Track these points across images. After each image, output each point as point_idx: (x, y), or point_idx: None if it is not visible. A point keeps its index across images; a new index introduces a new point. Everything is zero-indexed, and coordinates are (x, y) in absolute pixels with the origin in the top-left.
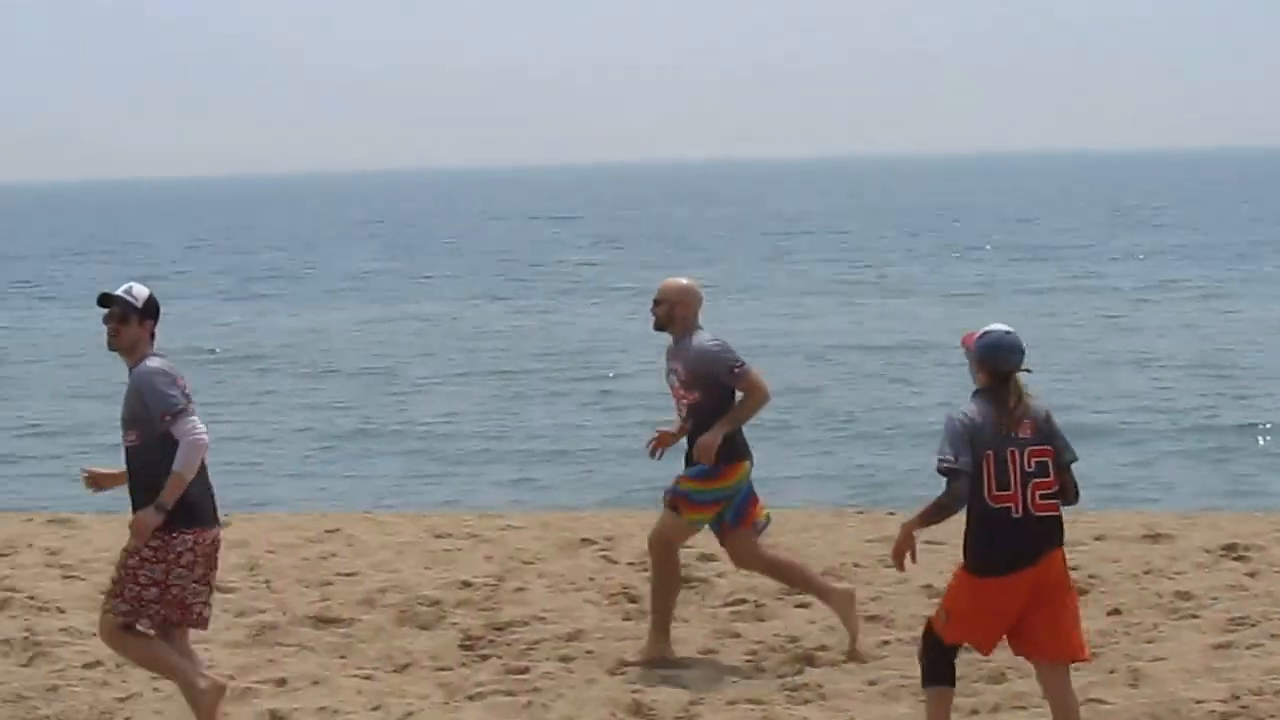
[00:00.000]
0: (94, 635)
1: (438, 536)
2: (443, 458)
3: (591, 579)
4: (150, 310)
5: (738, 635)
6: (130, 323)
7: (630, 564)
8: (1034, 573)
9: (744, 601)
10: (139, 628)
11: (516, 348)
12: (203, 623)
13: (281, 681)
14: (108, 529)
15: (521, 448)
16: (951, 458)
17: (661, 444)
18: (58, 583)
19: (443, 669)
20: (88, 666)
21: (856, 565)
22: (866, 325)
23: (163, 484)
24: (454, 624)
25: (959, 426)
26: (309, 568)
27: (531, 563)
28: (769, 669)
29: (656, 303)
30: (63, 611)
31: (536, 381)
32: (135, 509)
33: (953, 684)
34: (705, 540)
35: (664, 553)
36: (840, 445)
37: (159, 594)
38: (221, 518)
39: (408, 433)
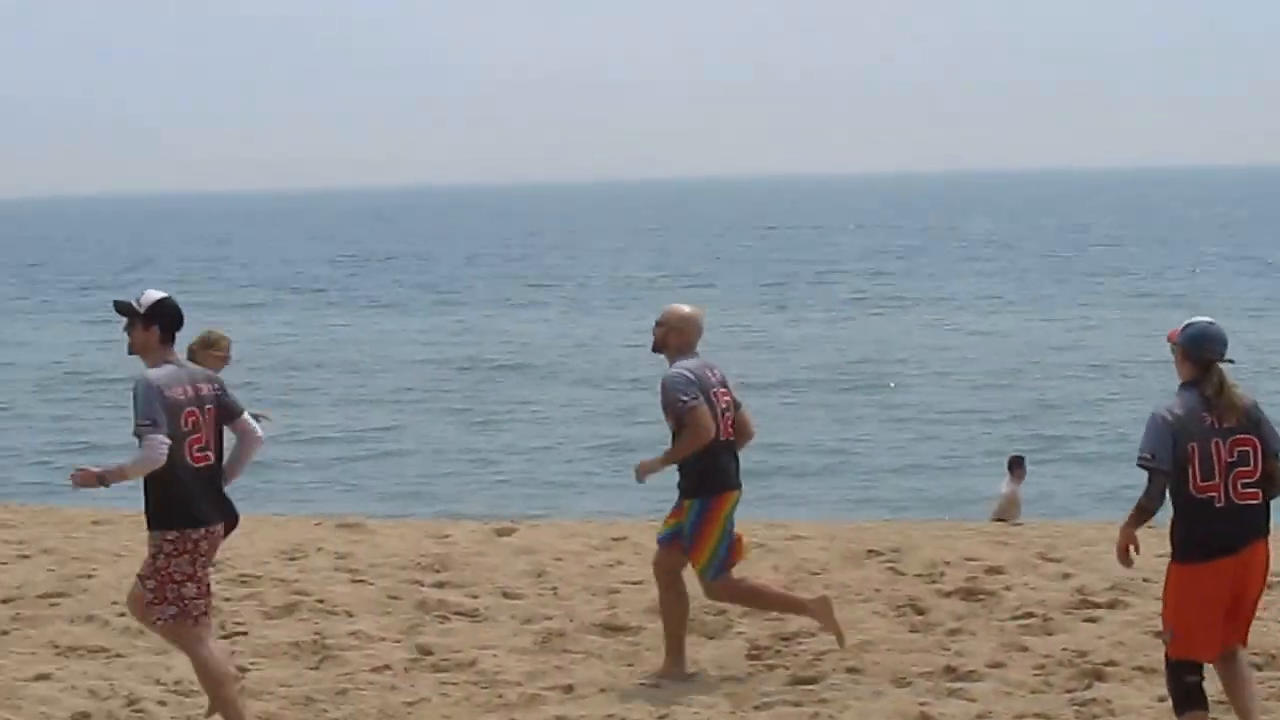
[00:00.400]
0: (383, 639)
1: None
2: None
3: (878, 590)
4: (154, 315)
5: (1025, 649)
6: (135, 328)
7: (918, 575)
8: (1235, 562)
9: (1032, 615)
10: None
11: (795, 358)
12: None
13: (569, 688)
14: (396, 534)
15: (798, 460)
16: (1149, 455)
17: (646, 470)
18: (346, 586)
19: (730, 678)
20: (376, 670)
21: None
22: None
23: (152, 481)
24: (740, 633)
25: (1161, 423)
26: (595, 575)
27: (818, 573)
28: (1057, 684)
29: (657, 324)
30: (351, 615)
31: (818, 393)
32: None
33: (1205, 707)
34: (992, 552)
35: (668, 580)
36: None
37: (197, 590)
38: (512, 522)
39: None
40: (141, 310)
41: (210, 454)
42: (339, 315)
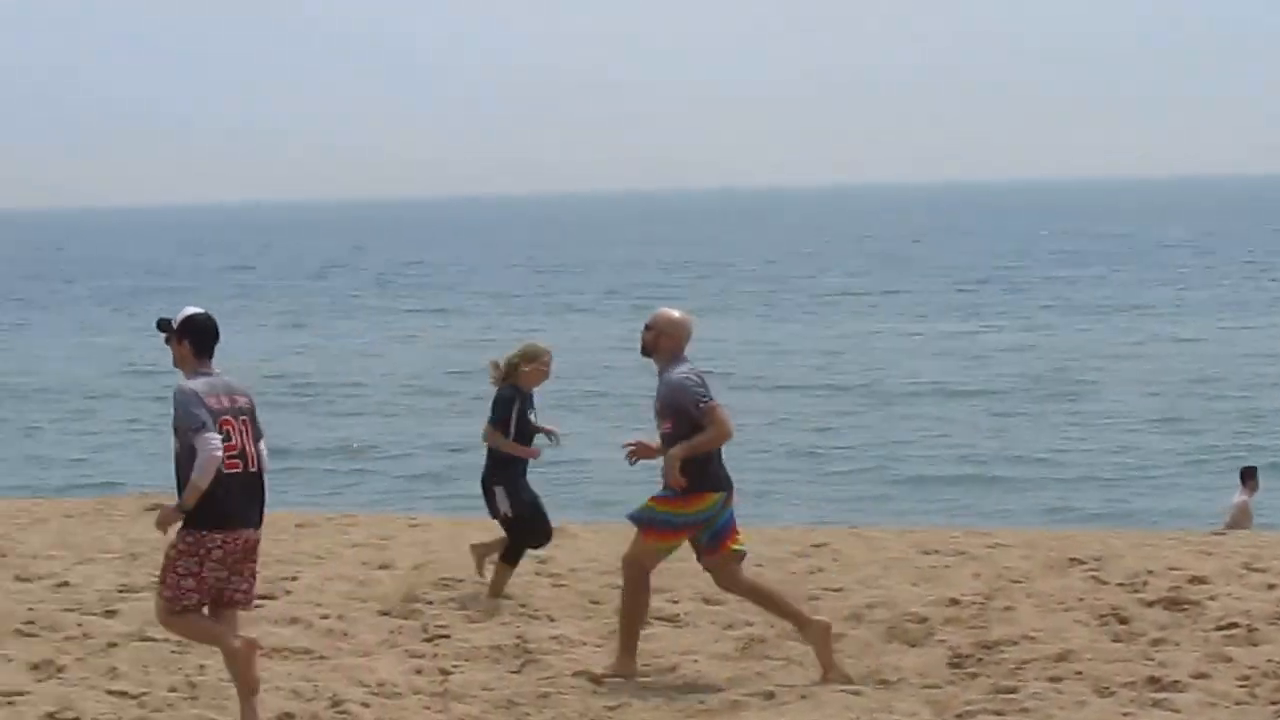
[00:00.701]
0: (584, 643)
1: (924, 553)
2: (927, 477)
3: (1081, 599)
4: (186, 330)
5: (1230, 660)
6: (172, 343)
7: (1120, 585)
8: None
9: (1236, 626)
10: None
11: (992, 366)
12: (245, 602)
13: (769, 695)
14: (597, 539)
15: (998, 468)
16: None
17: (639, 454)
18: (548, 590)
19: (931, 686)
20: (578, 675)
21: None
22: None
23: (178, 480)
24: (942, 641)
25: None
26: (796, 581)
27: (1020, 581)
28: (1262, 696)
29: (646, 328)
30: (553, 619)
31: (1018, 401)
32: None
33: None
34: (1196, 562)
35: (634, 574)
36: None
37: (195, 584)
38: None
39: (889, 451)
40: (175, 326)
41: (240, 462)
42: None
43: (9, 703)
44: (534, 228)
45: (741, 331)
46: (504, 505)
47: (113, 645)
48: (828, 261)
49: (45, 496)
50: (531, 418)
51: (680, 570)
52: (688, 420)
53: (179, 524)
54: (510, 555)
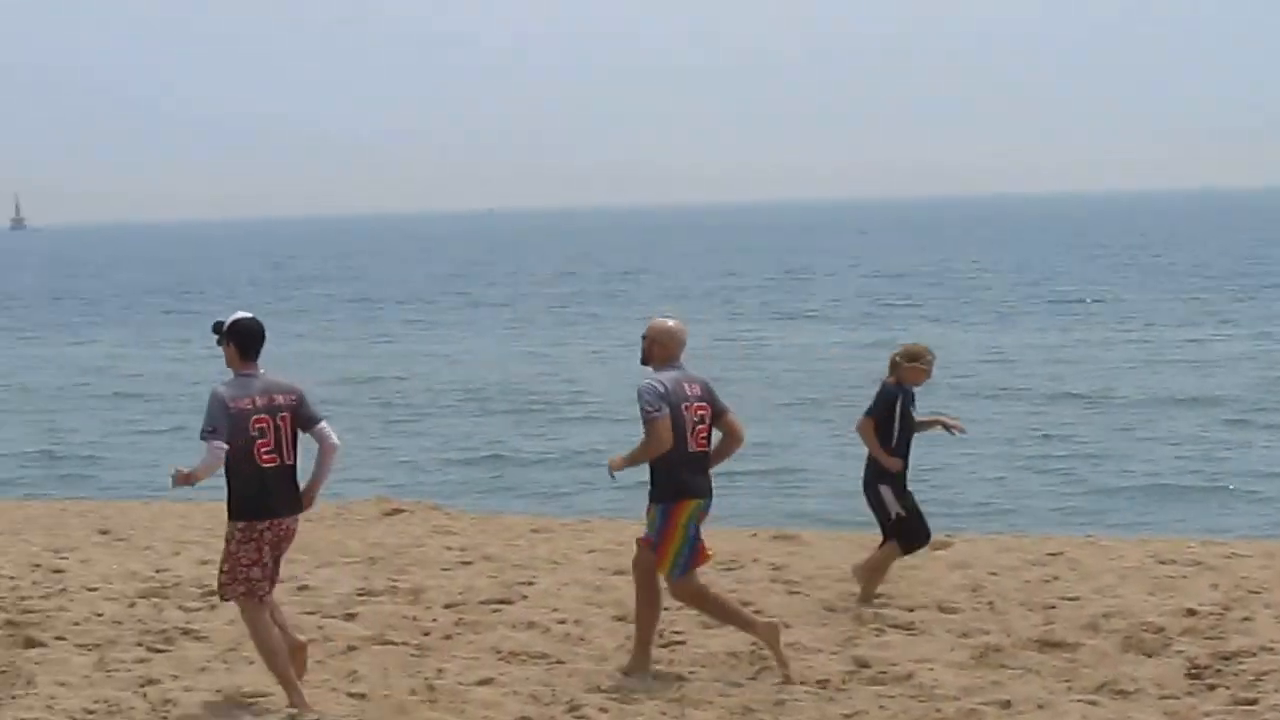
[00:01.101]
0: (820, 650)
1: (1161, 563)
2: (1160, 487)
3: None
4: (231, 333)
5: None
6: (222, 345)
7: None
8: None
9: None
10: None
11: (1221, 376)
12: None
13: (1006, 704)
14: (831, 546)
15: (1234, 479)
16: None
17: (612, 465)
18: (783, 597)
19: (1168, 697)
20: (817, 684)
21: None
22: None
23: (228, 478)
24: (1179, 652)
25: None
26: (1032, 590)
27: (1258, 592)
28: None
29: (643, 336)
30: (788, 626)
31: (1251, 410)
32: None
33: None
34: None
35: (645, 580)
36: None
37: (261, 572)
38: (947, 536)
39: (1120, 460)
40: (221, 330)
41: (278, 456)
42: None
43: (252, 704)
44: (781, 234)
45: (976, 339)
46: (894, 506)
47: (352, 648)
48: (1061, 268)
49: None
50: (914, 414)
51: (915, 578)
52: (644, 425)
53: (227, 526)
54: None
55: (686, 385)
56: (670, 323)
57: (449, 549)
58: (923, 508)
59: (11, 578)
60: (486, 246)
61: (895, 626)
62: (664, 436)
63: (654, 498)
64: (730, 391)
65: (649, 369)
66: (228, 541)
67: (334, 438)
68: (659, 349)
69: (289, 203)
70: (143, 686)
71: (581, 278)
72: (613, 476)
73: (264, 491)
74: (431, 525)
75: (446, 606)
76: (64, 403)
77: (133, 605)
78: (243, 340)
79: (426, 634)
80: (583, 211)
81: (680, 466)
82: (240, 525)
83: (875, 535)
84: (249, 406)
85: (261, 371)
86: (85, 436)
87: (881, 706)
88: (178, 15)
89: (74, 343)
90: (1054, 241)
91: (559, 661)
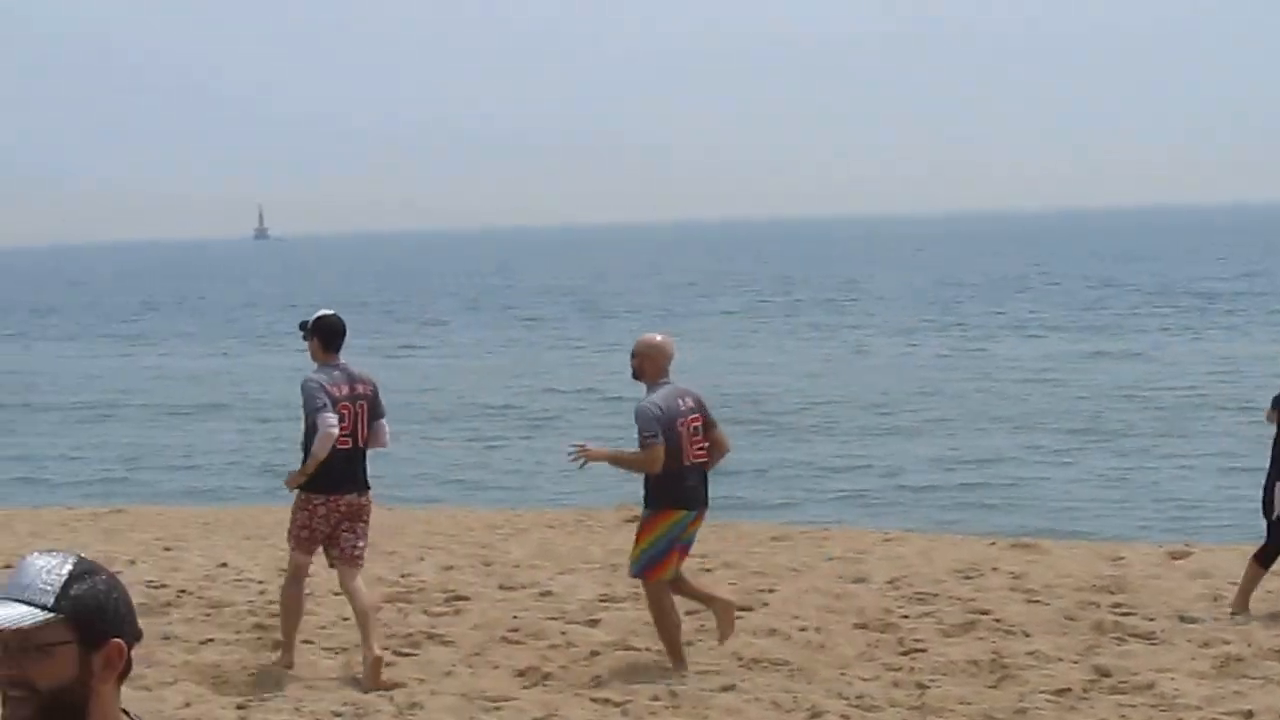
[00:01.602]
0: (1060, 659)
1: None
2: None
3: None
4: (316, 329)
5: None
6: (307, 340)
7: None
8: None
9: None
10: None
11: None
12: (360, 558)
13: (1249, 714)
14: (1071, 555)
15: None
16: None
17: (584, 455)
18: (1022, 606)
19: None
20: (1058, 693)
21: None
22: None
23: (305, 452)
24: None
25: None
26: (1274, 600)
27: None
28: None
29: (632, 355)
30: (1028, 635)
31: None
32: None
33: None
34: None
35: (655, 593)
36: None
37: (309, 535)
38: (1186, 545)
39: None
40: (306, 327)
41: (351, 440)
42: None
43: (496, 708)
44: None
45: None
46: (1278, 507)
47: (595, 654)
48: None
49: (526, 509)
50: None
51: (1157, 588)
52: (640, 444)
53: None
54: (1266, 558)
55: (680, 400)
56: (658, 338)
57: (690, 556)
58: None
59: (260, 582)
60: (717, 256)
61: (1136, 636)
62: (657, 461)
63: (645, 502)
64: (970, 406)
65: (644, 387)
66: (293, 507)
67: (387, 436)
68: (649, 364)
69: (527, 211)
70: (389, 690)
71: (805, 286)
72: (582, 465)
73: (330, 470)
74: None
75: (688, 613)
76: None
77: (377, 610)
78: (325, 335)
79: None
80: (812, 221)
81: (677, 479)
82: (302, 497)
83: (1114, 545)
84: (337, 394)
85: (343, 362)
86: None
87: (1123, 716)
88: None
89: (302, 349)
90: None
91: (800, 668)
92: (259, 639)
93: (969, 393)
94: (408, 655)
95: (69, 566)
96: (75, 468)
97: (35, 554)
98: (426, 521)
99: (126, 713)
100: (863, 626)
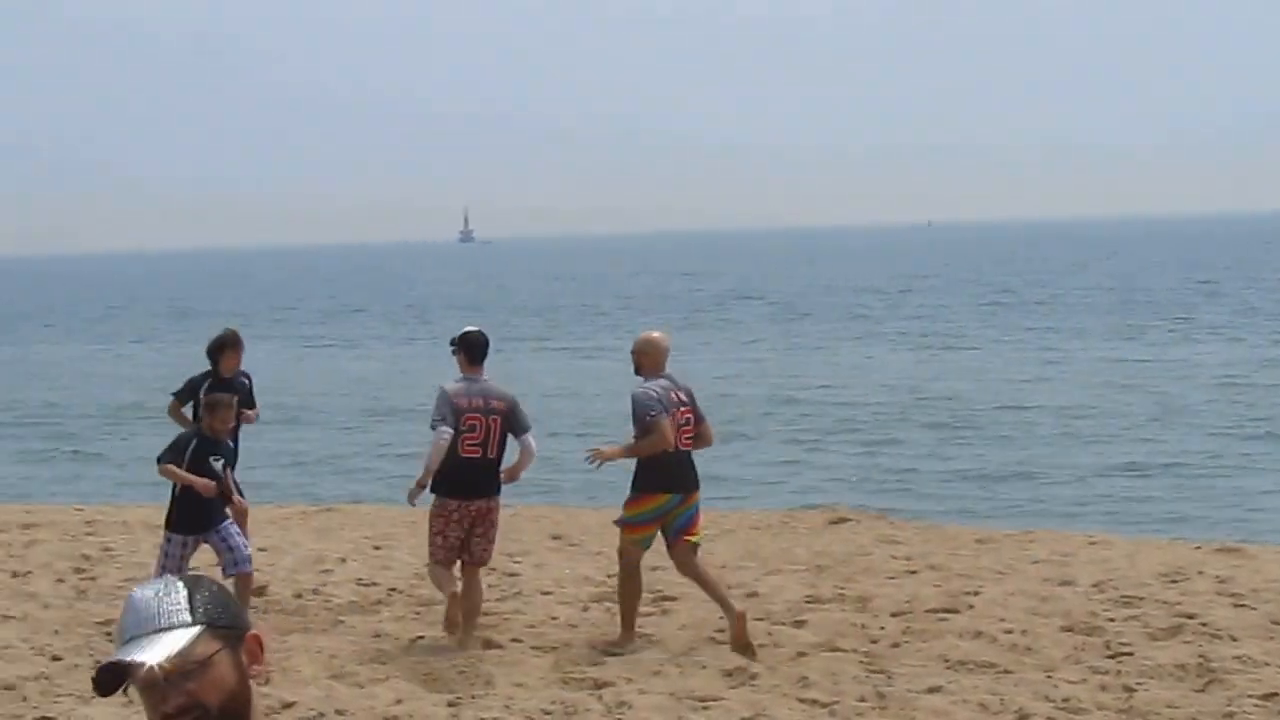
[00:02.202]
0: (1268, 664)
1: None
2: None
3: None
4: (461, 344)
5: None
6: (454, 355)
7: None
8: None
9: None
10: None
11: None
12: (485, 559)
13: None
14: (1276, 560)
15: None
16: None
17: (598, 456)
18: (1229, 610)
19: None
20: (1265, 697)
21: None
22: None
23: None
24: None
25: None
26: None
27: None
28: None
29: (632, 351)
30: (1235, 639)
31: None
32: None
33: None
34: None
35: (624, 563)
36: None
37: (442, 541)
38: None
39: None
40: (455, 341)
41: (479, 450)
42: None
43: (705, 708)
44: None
45: None
46: None
47: (802, 654)
48: None
49: (731, 510)
50: None
51: None
52: (643, 428)
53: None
54: None
55: (674, 392)
56: (655, 334)
57: (894, 558)
58: None
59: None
60: (922, 259)
61: None
62: (668, 436)
63: (634, 485)
64: (1168, 410)
65: (640, 379)
66: (430, 513)
67: (534, 446)
68: (648, 360)
69: (719, 216)
70: (598, 689)
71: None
72: (597, 465)
73: (460, 477)
74: (876, 534)
75: (894, 615)
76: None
77: (586, 609)
78: (470, 349)
79: (874, 641)
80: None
81: (664, 464)
82: (435, 502)
83: None
84: (465, 405)
85: (485, 378)
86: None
87: None
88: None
89: (540, 348)
90: None
91: (1006, 671)
92: (470, 637)
93: (1166, 396)
94: (616, 655)
95: (179, 584)
96: (279, 468)
97: (136, 589)
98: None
99: None
100: (1069, 629)
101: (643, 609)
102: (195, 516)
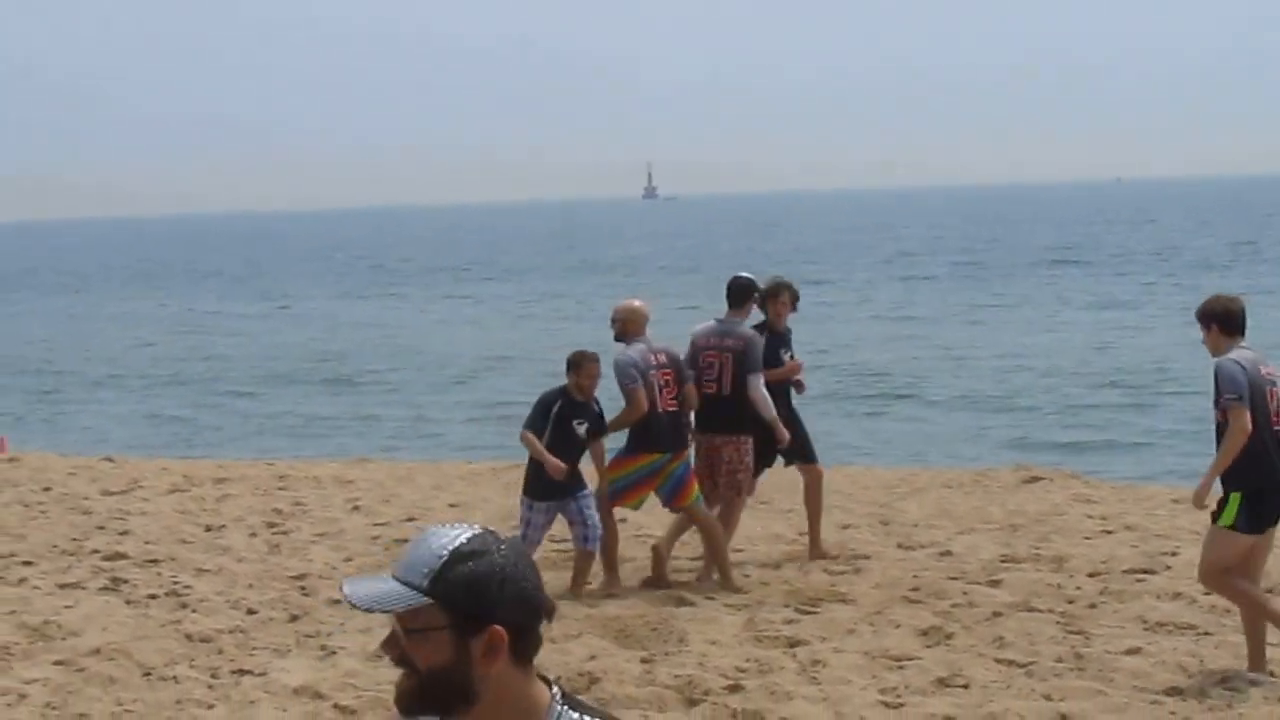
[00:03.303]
0: None
1: None
2: None
3: None
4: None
5: None
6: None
7: None
8: None
9: None
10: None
11: None
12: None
13: None
14: None
15: None
16: None
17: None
18: None
19: None
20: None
21: None
22: None
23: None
24: None
25: None
26: None
27: None
28: None
29: (612, 320)
30: None
31: None
32: None
33: None
34: None
35: (607, 510)
36: None
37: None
38: None
39: None
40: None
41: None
42: None
43: (900, 667)
44: None
45: None
46: None
47: (997, 614)
48: None
49: (922, 468)
50: None
51: None
52: (625, 396)
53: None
54: None
55: (653, 355)
56: (635, 303)
57: (1089, 517)
58: None
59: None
60: (1104, 218)
61: None
62: (642, 404)
63: (626, 445)
64: None
65: (621, 345)
66: None
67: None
68: (631, 325)
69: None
70: (791, 647)
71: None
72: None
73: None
74: (1071, 493)
75: (1090, 575)
76: None
77: (778, 567)
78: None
79: (1071, 602)
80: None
81: (651, 425)
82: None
83: None
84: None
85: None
86: None
87: None
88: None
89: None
90: None
91: (1206, 633)
92: (661, 594)
93: None
94: (810, 613)
95: (457, 544)
96: (467, 424)
97: (438, 526)
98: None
99: (545, 679)
100: (1270, 591)
101: (835, 568)
102: (553, 483)
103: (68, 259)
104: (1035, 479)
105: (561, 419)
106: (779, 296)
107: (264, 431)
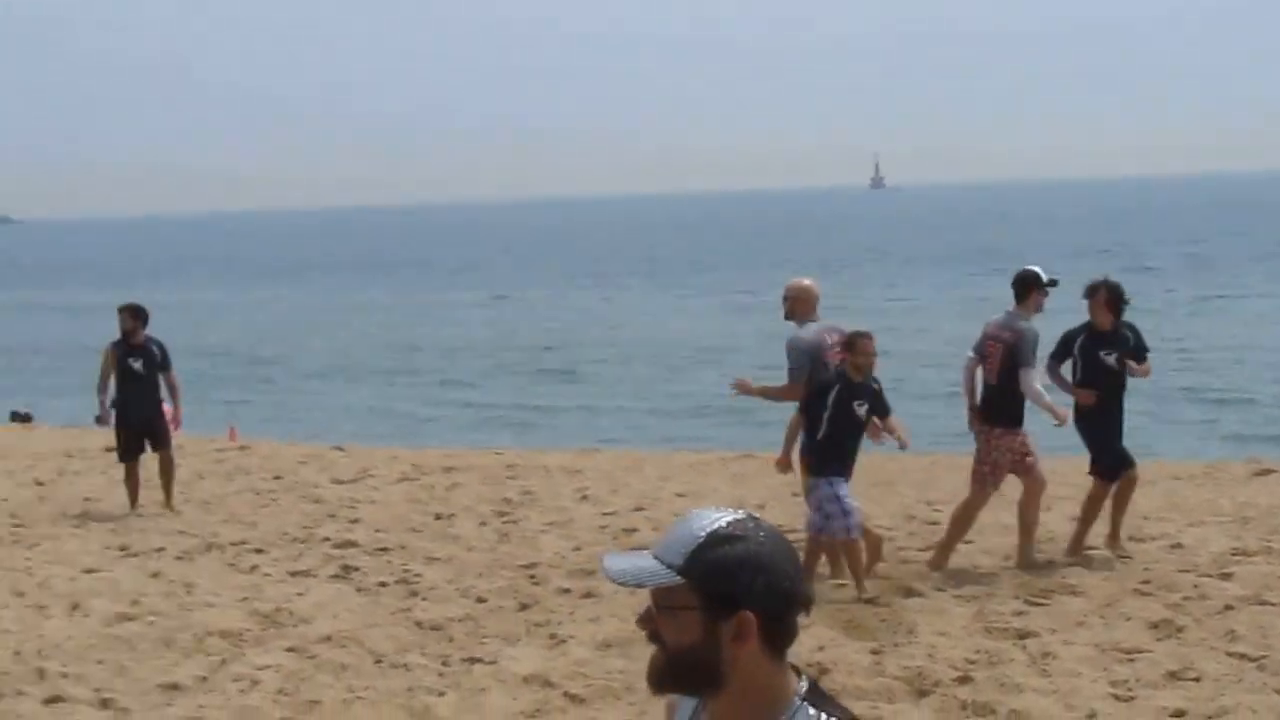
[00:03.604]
0: None
1: None
2: None
3: None
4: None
5: None
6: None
7: None
8: None
9: None
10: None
11: None
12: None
13: None
14: None
15: None
16: None
17: (739, 388)
18: None
19: None
20: None
21: None
22: None
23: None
24: None
25: None
26: None
27: None
28: None
29: (784, 298)
30: None
31: None
32: None
33: None
34: None
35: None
36: None
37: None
38: None
39: None
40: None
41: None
42: None
43: (1130, 660)
44: None
45: None
46: None
47: (1229, 608)
48: None
49: (1152, 460)
50: None
51: None
52: (789, 375)
53: None
54: None
55: (828, 334)
56: (806, 281)
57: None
58: None
59: (888, 528)
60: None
61: None
62: (799, 394)
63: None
64: None
65: (792, 324)
66: None
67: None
68: (801, 305)
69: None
70: (1021, 639)
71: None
72: (735, 394)
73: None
74: None
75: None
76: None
77: (1007, 558)
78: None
79: None
80: None
81: None
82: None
83: None
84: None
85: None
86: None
87: None
88: None
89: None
90: None
91: None
92: (890, 584)
93: None
94: (1040, 605)
95: (716, 526)
96: (693, 417)
97: (705, 509)
98: (1051, 471)
99: (797, 670)
100: None
101: (1064, 560)
102: (841, 460)
103: (264, 250)
104: (1267, 471)
105: (840, 401)
106: (1095, 295)
107: (486, 423)
